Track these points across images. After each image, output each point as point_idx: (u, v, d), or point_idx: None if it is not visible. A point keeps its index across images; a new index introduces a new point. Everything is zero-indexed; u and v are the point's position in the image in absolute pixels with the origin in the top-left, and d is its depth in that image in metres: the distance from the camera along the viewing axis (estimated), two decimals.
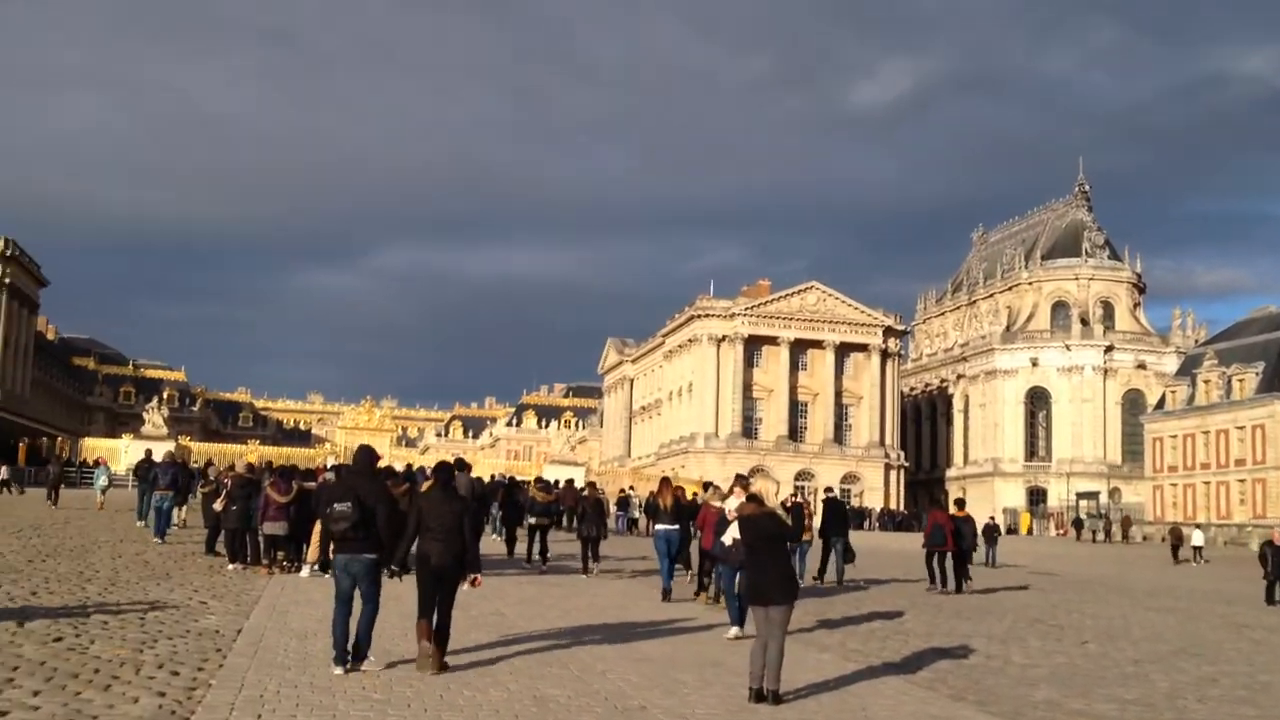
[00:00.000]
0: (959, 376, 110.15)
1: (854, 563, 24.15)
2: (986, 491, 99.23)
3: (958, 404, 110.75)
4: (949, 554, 23.48)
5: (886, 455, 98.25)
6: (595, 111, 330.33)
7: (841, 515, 24.25)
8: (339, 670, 9.94)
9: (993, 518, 45.03)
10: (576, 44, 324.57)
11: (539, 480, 27.88)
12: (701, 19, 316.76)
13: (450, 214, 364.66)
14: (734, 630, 14.17)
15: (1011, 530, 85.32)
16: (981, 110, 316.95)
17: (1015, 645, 15.53)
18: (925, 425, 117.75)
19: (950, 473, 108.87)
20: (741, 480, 16.24)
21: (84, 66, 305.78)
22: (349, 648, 10.12)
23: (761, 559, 10.40)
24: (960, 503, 25.97)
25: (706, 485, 24.55)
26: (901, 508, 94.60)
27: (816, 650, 13.59)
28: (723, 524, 15.67)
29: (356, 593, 10.31)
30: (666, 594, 18.42)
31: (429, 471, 12.18)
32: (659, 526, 19.38)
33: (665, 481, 20.31)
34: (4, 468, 48.70)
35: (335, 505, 10.23)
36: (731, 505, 15.46)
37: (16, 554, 19.26)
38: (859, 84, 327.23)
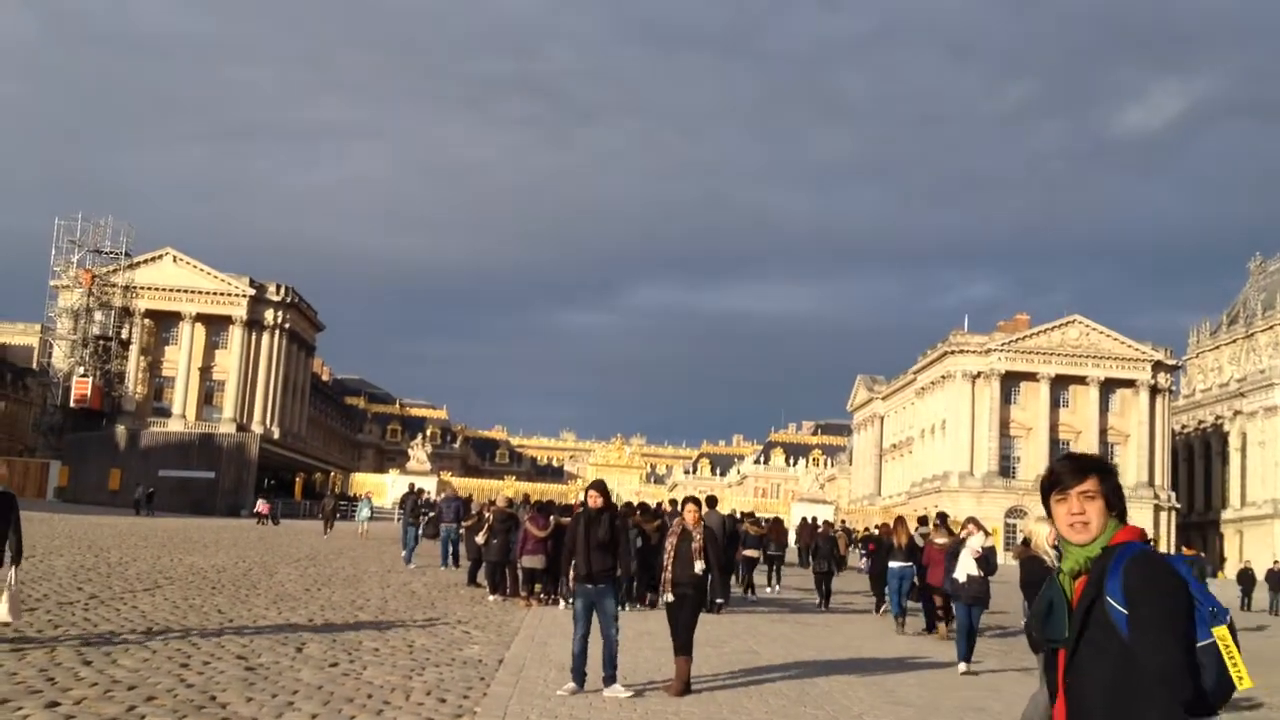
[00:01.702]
0: (1236, 413, 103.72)
1: None
2: (1266, 534, 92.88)
3: (1234, 442, 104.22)
4: None
5: (1156, 496, 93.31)
6: (846, 146, 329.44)
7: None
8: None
9: (1277, 562, 42.03)
10: (828, 80, 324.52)
11: (749, 515, 30.35)
12: (960, 47, 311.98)
13: (701, 253, 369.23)
14: (961, 666, 14.57)
15: None
16: (1259, 132, 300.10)
17: None
18: (1199, 465, 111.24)
19: (1226, 515, 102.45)
20: (973, 521, 16.95)
21: (353, 120, 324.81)
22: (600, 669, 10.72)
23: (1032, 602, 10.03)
24: (1188, 543, 28.04)
25: (922, 520, 25.40)
26: (1172, 550, 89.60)
27: None
28: (953, 560, 15.94)
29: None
30: (900, 626, 19.77)
31: (679, 505, 12.66)
32: (892, 564, 20.15)
33: (900, 520, 21.60)
34: (260, 502, 51.08)
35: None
36: (974, 544, 15.66)
37: (295, 583, 20.35)
38: (1126, 108, 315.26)
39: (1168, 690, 3.14)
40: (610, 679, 10.61)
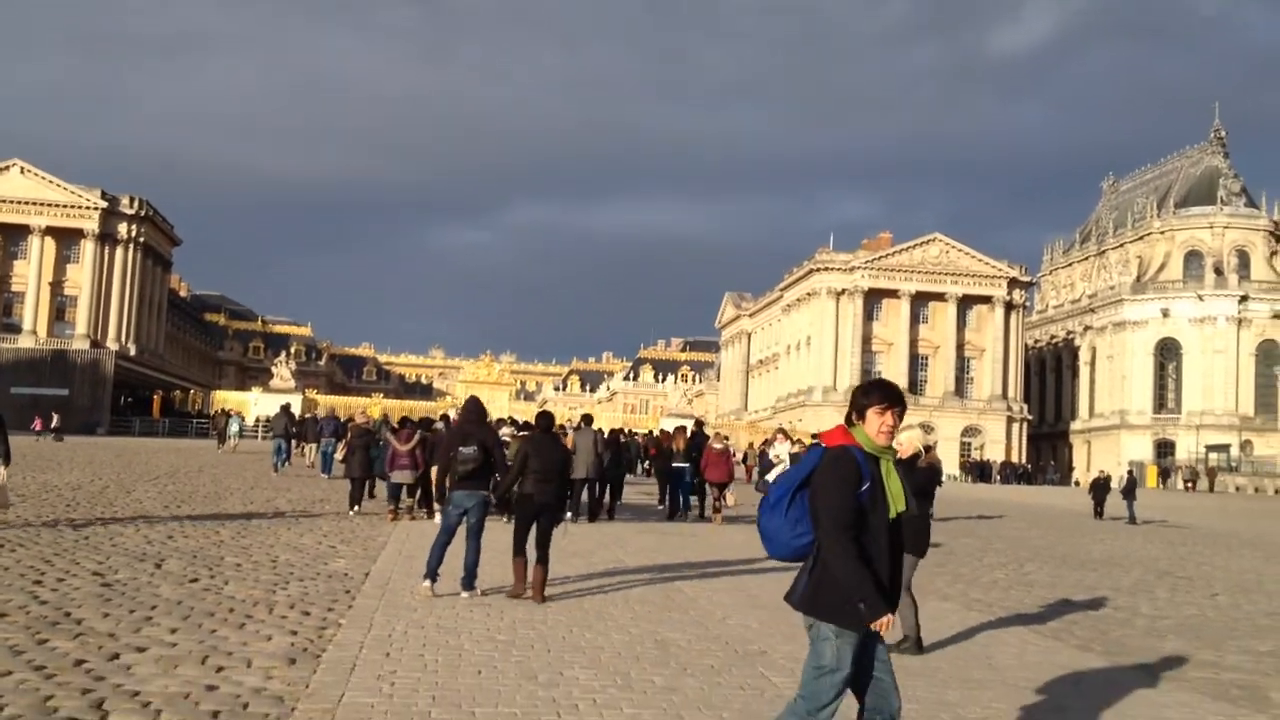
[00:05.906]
0: (1086, 328, 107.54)
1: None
2: (1112, 444, 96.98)
3: (1084, 356, 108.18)
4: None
5: (1009, 408, 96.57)
6: (729, 68, 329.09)
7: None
8: (425, 584, 11.07)
9: (1131, 472, 43.62)
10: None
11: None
12: None
13: (579, 171, 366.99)
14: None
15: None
16: (1123, 54, 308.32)
17: (1143, 597, 15.18)
18: (1050, 378, 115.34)
19: (1075, 425, 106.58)
20: (781, 431, 20.87)
21: (218, 30, 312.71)
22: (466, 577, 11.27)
23: None
24: (1039, 453, 31.27)
25: (699, 424, 29.15)
26: (1024, 461, 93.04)
27: (937, 599, 13.42)
28: (766, 464, 19.11)
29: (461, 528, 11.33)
30: (672, 514, 23.46)
31: (534, 420, 13.15)
32: (674, 465, 23.91)
33: (680, 429, 25.56)
34: (55, 417, 50.15)
35: (461, 449, 11.18)
36: (779, 451, 18.95)
37: (154, 500, 19.97)
38: (999, 28, 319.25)
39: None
40: (469, 584, 11.18)
